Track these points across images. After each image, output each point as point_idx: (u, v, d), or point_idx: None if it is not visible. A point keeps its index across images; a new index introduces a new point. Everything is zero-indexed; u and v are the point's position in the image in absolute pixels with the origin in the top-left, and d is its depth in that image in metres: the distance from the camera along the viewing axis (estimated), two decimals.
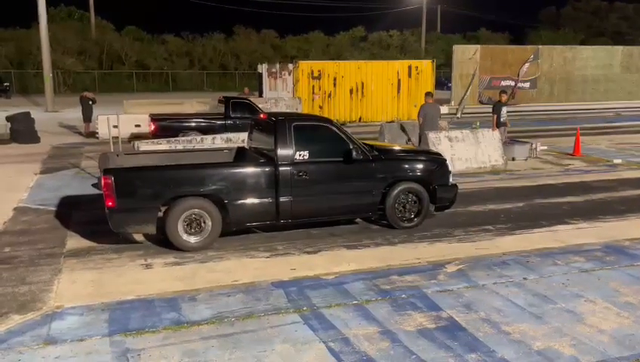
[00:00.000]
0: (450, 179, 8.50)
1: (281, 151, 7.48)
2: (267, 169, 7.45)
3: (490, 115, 14.23)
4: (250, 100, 16.93)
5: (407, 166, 8.31)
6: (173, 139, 12.22)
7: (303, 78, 23.57)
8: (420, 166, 8.34)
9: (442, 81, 29.13)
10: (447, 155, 11.99)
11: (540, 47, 30.41)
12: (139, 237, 7.66)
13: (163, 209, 7.18)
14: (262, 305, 5.52)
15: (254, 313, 5.33)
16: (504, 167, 12.65)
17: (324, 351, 4.60)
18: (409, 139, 13.81)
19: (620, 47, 32.11)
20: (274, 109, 19.37)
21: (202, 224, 7.17)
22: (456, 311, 5.35)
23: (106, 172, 6.97)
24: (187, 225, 7.12)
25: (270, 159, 7.54)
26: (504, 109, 14.02)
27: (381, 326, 5.05)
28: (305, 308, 5.43)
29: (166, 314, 5.33)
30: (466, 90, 26.81)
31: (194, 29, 55.04)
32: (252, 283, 6.07)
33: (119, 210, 6.89)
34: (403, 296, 5.73)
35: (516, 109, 23.54)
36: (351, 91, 23.88)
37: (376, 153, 8.08)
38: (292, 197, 7.50)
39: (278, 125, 7.64)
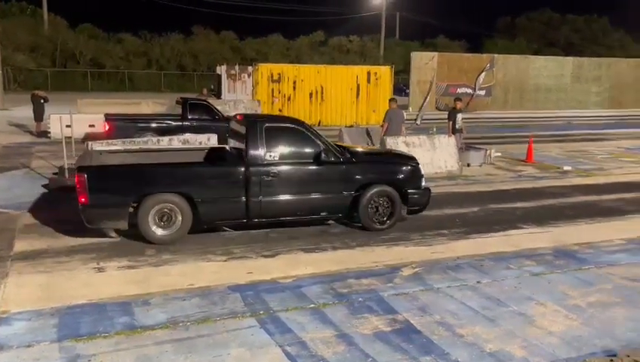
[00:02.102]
0: (423, 183, 8.63)
1: (252, 152, 7.63)
2: (238, 169, 7.60)
3: (447, 121, 14.49)
4: (208, 102, 16.76)
5: (379, 169, 8.45)
6: (128, 140, 11.97)
7: (263, 81, 23.49)
8: (392, 169, 8.51)
9: (400, 87, 29.51)
10: None
11: (496, 55, 31.18)
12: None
13: (134, 205, 7.29)
14: (218, 309, 5.45)
15: (210, 317, 5.26)
16: (459, 173, 12.89)
17: (280, 355, 4.58)
18: (372, 143, 13.90)
19: (571, 58, 33.24)
20: (232, 111, 19.19)
21: (173, 218, 7.33)
22: (411, 314, 5.41)
23: (80, 169, 7.17)
24: (158, 218, 7.30)
25: (241, 159, 7.67)
26: (459, 116, 14.30)
27: (338, 329, 5.06)
28: (261, 312, 5.39)
29: (119, 318, 5.20)
30: (425, 97, 27.22)
31: (151, 29, 54.15)
32: (208, 287, 5.99)
33: (92, 206, 7.06)
34: (360, 299, 5.75)
35: (472, 116, 24.04)
36: (310, 95, 23.93)
37: (348, 155, 8.22)
38: (262, 197, 7.63)
39: (249, 126, 7.80)
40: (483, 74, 28.62)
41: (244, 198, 7.57)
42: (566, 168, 14.05)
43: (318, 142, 7.97)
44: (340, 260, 6.96)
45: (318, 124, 23.85)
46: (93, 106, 19.30)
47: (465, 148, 14.26)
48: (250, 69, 24.53)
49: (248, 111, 20.13)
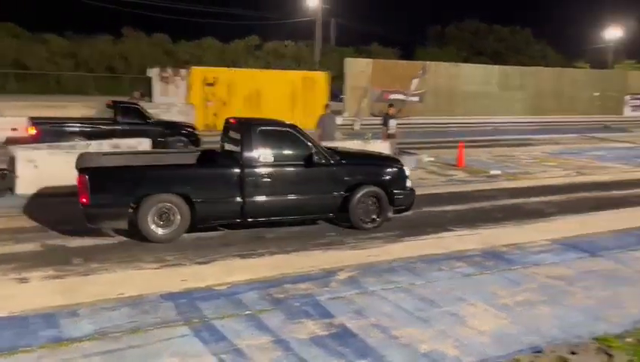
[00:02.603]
0: (408, 184, 9.07)
1: (247, 154, 8.00)
2: (234, 170, 7.96)
3: (381, 126, 14.73)
4: (139, 105, 16.31)
5: (367, 171, 8.90)
6: (55, 144, 11.46)
7: (197, 85, 23.11)
8: (379, 171, 8.96)
9: (336, 92, 29.82)
10: None
11: (427, 63, 32.03)
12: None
13: (134, 205, 7.49)
14: (150, 318, 5.28)
15: (141, 327, 5.08)
16: None
17: None
18: None
19: (497, 67, 34.62)
20: (165, 115, 18.78)
21: (171, 218, 7.61)
22: (347, 317, 5.43)
23: (82, 170, 7.39)
24: (157, 218, 7.56)
25: (237, 161, 8.00)
26: (393, 122, 14.57)
27: (274, 335, 5.01)
28: (195, 320, 5.27)
29: (43, 331, 4.94)
30: (361, 103, 27.56)
31: (78, 29, 52.16)
32: (139, 296, 5.79)
33: (93, 206, 7.30)
34: (296, 304, 5.73)
35: (405, 122, 24.54)
36: (246, 99, 23.74)
37: (338, 158, 8.64)
38: (257, 197, 8.01)
39: (244, 129, 8.22)
40: (416, 80, 29.31)
41: (239, 198, 7.91)
42: (494, 172, 14.58)
43: (310, 144, 8.35)
44: (277, 265, 6.92)
45: None
46: (16, 109, 18.37)
47: (398, 153, 14.52)
48: (183, 72, 24.04)
49: (181, 116, 19.79)
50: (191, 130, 16.32)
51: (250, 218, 8.12)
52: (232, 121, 8.99)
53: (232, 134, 8.57)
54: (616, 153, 19.51)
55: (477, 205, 10.81)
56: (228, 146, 8.71)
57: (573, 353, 4.58)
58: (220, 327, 5.13)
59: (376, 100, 27.89)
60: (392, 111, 14.94)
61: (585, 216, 10.11)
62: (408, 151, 15.35)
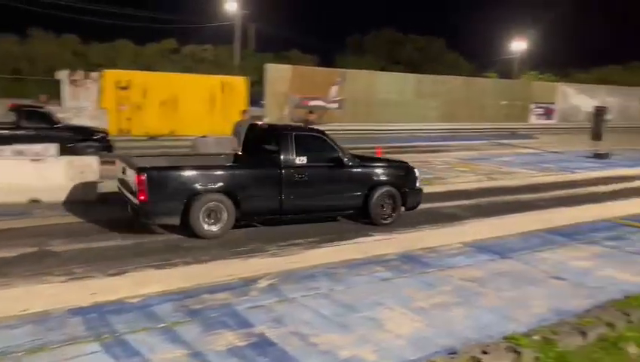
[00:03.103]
0: (417, 184, 10.11)
1: (285, 157, 8.83)
2: (274, 171, 8.73)
3: None
4: (46, 109, 15.45)
5: (384, 172, 9.89)
6: None
7: (109, 88, 22.20)
8: (394, 173, 9.99)
9: (256, 98, 29.62)
10: None
11: (346, 70, 32.52)
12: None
13: (186, 203, 8.09)
14: (56, 335, 4.96)
15: (47, 345, 4.77)
16: None
17: None
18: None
19: (412, 75, 35.69)
20: (75, 120, 17.90)
21: (219, 215, 8.27)
22: (266, 326, 5.35)
23: (140, 170, 7.88)
24: (207, 215, 8.18)
25: (276, 163, 8.75)
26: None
27: (190, 348, 4.84)
28: (106, 336, 5.01)
29: None
30: (283, 109, 27.52)
31: None
32: (45, 312, 5.43)
33: (150, 203, 7.89)
34: (214, 314, 5.58)
35: (325, 128, 24.73)
36: (162, 104, 23.07)
37: (359, 161, 9.69)
38: (293, 195, 8.84)
39: (281, 134, 9.10)
40: (335, 87, 29.67)
41: (278, 196, 8.72)
42: None
43: (337, 148, 9.36)
44: (193, 275, 6.72)
45: (171, 134, 23.07)
46: None
47: None
48: (95, 75, 23.03)
49: (93, 120, 18.93)
50: (103, 135, 15.64)
51: (287, 214, 9.01)
52: (264, 126, 10.17)
53: (265, 139, 9.54)
54: (522, 159, 20.60)
55: None
56: (255, 150, 9.74)
57: (485, 352, 4.73)
58: (132, 342, 4.90)
59: (296, 107, 27.97)
60: (312, 117, 15.03)
61: (495, 219, 10.57)
62: None
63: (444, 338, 5.25)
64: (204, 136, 15.06)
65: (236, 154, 10.32)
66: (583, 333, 5.21)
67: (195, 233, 8.16)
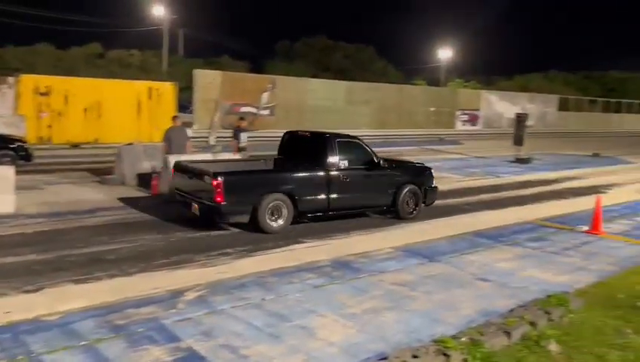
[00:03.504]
0: (434, 183, 11.52)
1: (331, 160, 10.04)
2: (322, 173, 9.94)
3: (231, 139, 14.54)
4: None
5: (409, 173, 11.35)
6: None
7: (27, 94, 21.08)
8: (416, 173, 11.46)
9: (185, 104, 28.99)
10: None
11: (277, 77, 32.46)
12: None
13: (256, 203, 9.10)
14: None
15: None
16: None
17: None
18: (154, 169, 13.00)
19: (344, 82, 36.10)
20: None
21: (281, 212, 9.37)
22: (195, 339, 5.18)
23: (216, 174, 8.87)
24: (270, 213, 9.23)
25: (323, 166, 9.96)
26: (244, 135, 14.46)
27: None
28: (20, 357, 4.69)
29: None
30: (214, 116, 27.05)
31: None
32: None
33: (226, 204, 8.86)
34: (139, 329, 5.35)
35: (256, 135, 24.58)
36: (86, 110, 22.15)
37: (387, 163, 10.87)
38: (338, 194, 10.03)
39: (327, 141, 10.29)
40: (266, 94, 29.54)
41: (326, 195, 9.92)
42: None
43: (371, 152, 10.59)
44: (118, 289, 6.43)
45: (95, 142, 22.18)
46: None
47: None
48: (10, 79, 21.79)
49: (9, 128, 17.89)
50: (20, 143, 14.82)
51: (333, 211, 10.12)
52: (307, 134, 11.17)
53: (308, 145, 10.70)
54: (450, 164, 21.19)
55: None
56: (295, 155, 10.79)
57: (415, 356, 4.76)
58: None
59: (227, 113, 27.64)
60: (243, 124, 14.83)
61: (424, 223, 10.77)
62: None
63: (376, 344, 5.26)
64: (130, 144, 14.52)
65: (275, 159, 11.24)
66: (508, 333, 5.36)
67: (261, 229, 9.19)
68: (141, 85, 24.23)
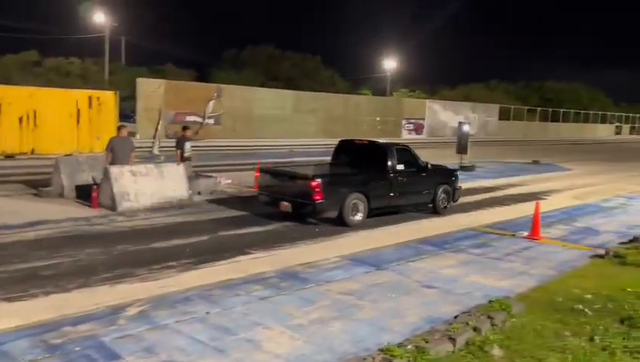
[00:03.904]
0: (459, 184, 13.63)
1: (391, 164, 11.89)
2: (387, 175, 11.82)
3: (175, 149, 14.25)
4: None
5: (443, 174, 13.44)
6: None
7: None
8: (449, 175, 13.53)
9: (127, 113, 28.35)
10: (130, 190, 11.58)
11: (223, 85, 32.18)
12: None
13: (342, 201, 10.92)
14: None
15: None
16: (190, 201, 12.75)
17: None
18: (95, 181, 12.55)
19: (291, 92, 36.20)
20: None
21: (359, 209, 11.17)
22: (136, 356, 5.00)
23: (315, 177, 10.73)
24: (352, 209, 11.02)
25: (385, 169, 11.83)
26: (188, 144, 14.18)
27: None
28: None
29: None
30: (157, 125, 26.52)
31: None
32: None
33: (323, 202, 10.64)
34: (77, 348, 5.11)
35: (201, 144, 24.26)
36: (21, 120, 21.24)
37: (429, 167, 12.69)
38: (397, 193, 11.94)
39: (388, 149, 12.24)
40: (212, 102, 29.24)
41: (389, 194, 11.80)
42: None
43: (418, 157, 12.55)
44: (54, 306, 6.14)
45: (32, 153, 21.31)
46: None
47: (195, 176, 14.18)
48: None
49: None
50: None
51: (392, 207, 12.07)
52: (365, 142, 13.09)
53: (366, 152, 12.55)
54: None
55: (273, 227, 10.94)
56: (350, 161, 12.54)
57: None
58: None
59: (171, 122, 27.18)
60: (187, 133, 14.55)
61: (370, 231, 10.85)
62: (205, 174, 15.09)
63: (323, 355, 5.21)
64: (69, 155, 14.00)
65: (331, 164, 13.16)
66: (453, 339, 5.42)
67: (345, 223, 10.89)
68: (81, 94, 23.45)
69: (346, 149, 13.10)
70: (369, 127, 38.22)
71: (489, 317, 6.05)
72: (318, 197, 10.54)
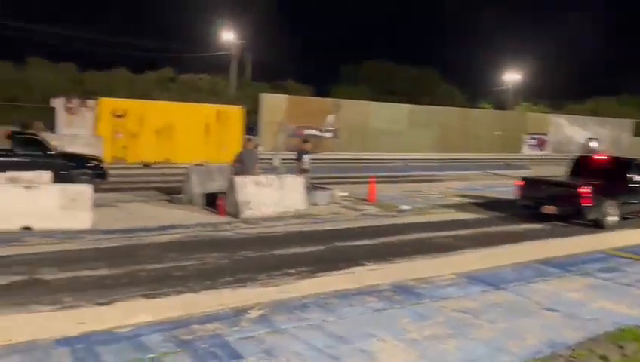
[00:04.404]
0: None
1: (631, 176, 13.97)
2: (628, 185, 13.94)
3: (295, 161, 14.79)
4: (39, 136, 15.46)
5: None
6: None
7: (105, 116, 22.30)
8: None
9: (251, 127, 29.78)
10: (253, 199, 12.19)
11: (340, 100, 32.79)
12: None
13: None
14: None
15: None
16: (307, 212, 13.16)
17: None
18: (221, 191, 13.39)
19: (407, 105, 35.97)
20: (70, 147, 17.88)
21: (612, 212, 13.30)
22: (257, 357, 5.27)
23: (582, 185, 12.94)
24: (607, 213, 13.26)
25: (626, 181, 13.93)
26: (307, 157, 14.68)
27: None
28: None
29: None
30: (278, 138, 27.63)
31: None
32: (32, 342, 5.34)
33: (589, 206, 12.83)
34: (204, 345, 5.50)
35: (318, 157, 24.85)
36: (158, 132, 23.15)
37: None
38: (635, 200, 14.07)
39: (630, 163, 14.50)
40: (330, 117, 29.88)
41: (630, 201, 13.95)
42: (404, 207, 14.97)
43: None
44: (184, 305, 6.64)
45: (166, 162, 23.10)
46: None
47: (312, 187, 14.62)
48: (91, 103, 23.14)
49: (88, 148, 18.93)
50: (96, 162, 15.62)
51: (631, 213, 14.15)
52: (607, 157, 15.46)
53: (608, 165, 14.58)
54: None
55: (388, 239, 11.00)
56: (591, 175, 14.05)
57: None
58: None
59: (291, 136, 28.11)
60: (307, 146, 15.06)
61: (489, 249, 10.55)
62: (322, 186, 15.49)
63: None
64: (199, 164, 15.06)
65: (570, 176, 14.97)
66: None
67: (601, 225, 13.03)
68: (210, 108, 25.12)
69: (584, 163, 15.18)
70: (488, 141, 36.98)
71: (619, 346, 5.67)
72: (587, 202, 12.74)
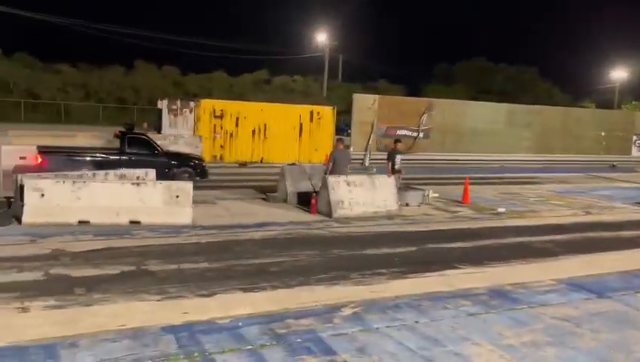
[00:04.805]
0: None
1: None
2: None
3: (386, 162, 14.76)
4: (147, 136, 16.45)
5: None
6: (61, 173, 11.53)
7: (205, 117, 23.34)
8: None
9: (342, 127, 30.00)
10: (345, 199, 12.30)
11: (434, 99, 32.26)
12: None
13: None
14: (150, 351, 5.22)
15: (141, 359, 5.02)
16: (398, 212, 13.09)
17: None
18: (314, 189, 13.67)
19: (505, 105, 34.75)
20: (173, 147, 18.92)
21: None
22: (350, 354, 5.35)
23: None
24: None
25: None
26: (399, 157, 14.60)
27: None
28: (196, 354, 5.20)
29: (42, 361, 4.90)
30: (369, 138, 27.65)
31: (91, 60, 52.97)
32: (140, 328, 5.74)
33: None
34: (298, 340, 5.65)
35: (410, 157, 24.60)
36: (253, 132, 23.93)
37: None
38: None
39: None
40: (424, 116, 29.47)
41: None
42: (500, 210, 14.51)
43: None
44: (279, 300, 6.85)
45: (261, 161, 23.84)
46: (25, 138, 18.51)
47: (404, 188, 14.52)
48: (192, 104, 24.33)
49: (188, 147, 19.91)
50: (198, 161, 16.40)
51: None
52: None
53: None
54: (624, 193, 19.40)
55: (483, 243, 10.73)
56: None
57: None
58: None
59: (382, 136, 28.02)
60: (399, 146, 14.99)
61: (592, 256, 10.01)
62: (414, 186, 15.34)
63: None
64: (292, 164, 15.42)
65: None
66: None
67: None
68: (303, 109, 25.59)
69: None
70: (591, 142, 34.95)
71: None
72: None
